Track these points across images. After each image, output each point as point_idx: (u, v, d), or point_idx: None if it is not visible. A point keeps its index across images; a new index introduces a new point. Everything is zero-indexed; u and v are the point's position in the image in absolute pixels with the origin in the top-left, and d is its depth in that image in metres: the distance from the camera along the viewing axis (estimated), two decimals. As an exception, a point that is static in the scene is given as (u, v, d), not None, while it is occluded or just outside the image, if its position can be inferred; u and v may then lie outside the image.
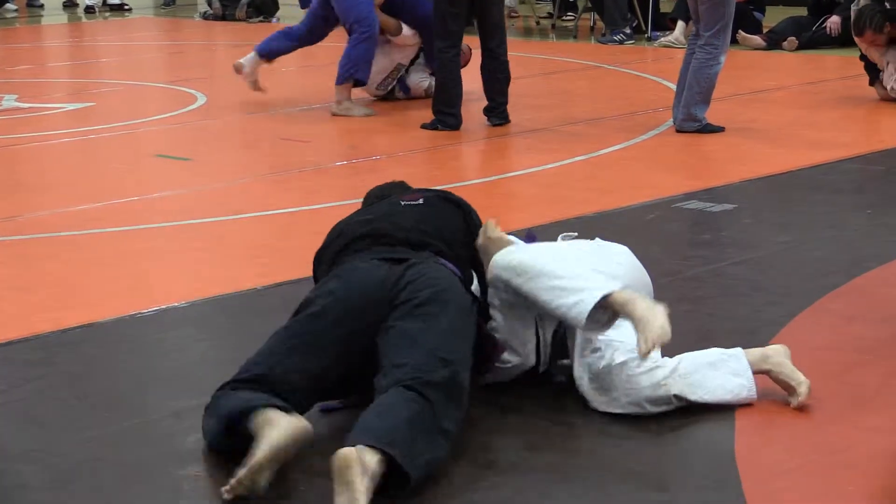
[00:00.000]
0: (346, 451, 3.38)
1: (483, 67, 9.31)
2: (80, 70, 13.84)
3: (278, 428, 3.54)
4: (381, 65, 10.34)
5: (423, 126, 9.18)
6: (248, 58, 10.45)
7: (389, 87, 10.61)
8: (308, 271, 4.50)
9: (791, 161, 7.96)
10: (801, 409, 4.06)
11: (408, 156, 8.43)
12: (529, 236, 4.58)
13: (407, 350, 3.80)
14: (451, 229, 4.42)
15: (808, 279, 5.46)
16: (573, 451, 3.87)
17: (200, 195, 7.43)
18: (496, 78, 9.30)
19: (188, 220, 6.81)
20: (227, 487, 3.49)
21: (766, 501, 3.52)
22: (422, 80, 10.64)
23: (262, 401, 3.65)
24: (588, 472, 3.71)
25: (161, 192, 7.47)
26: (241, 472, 3.47)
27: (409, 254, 4.14)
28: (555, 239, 4.66)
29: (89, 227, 6.67)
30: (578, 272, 4.08)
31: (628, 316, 3.96)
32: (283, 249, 6.23)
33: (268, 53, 10.49)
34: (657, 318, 3.90)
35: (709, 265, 5.67)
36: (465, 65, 10.69)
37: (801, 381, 4.10)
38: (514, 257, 4.20)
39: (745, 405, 4.10)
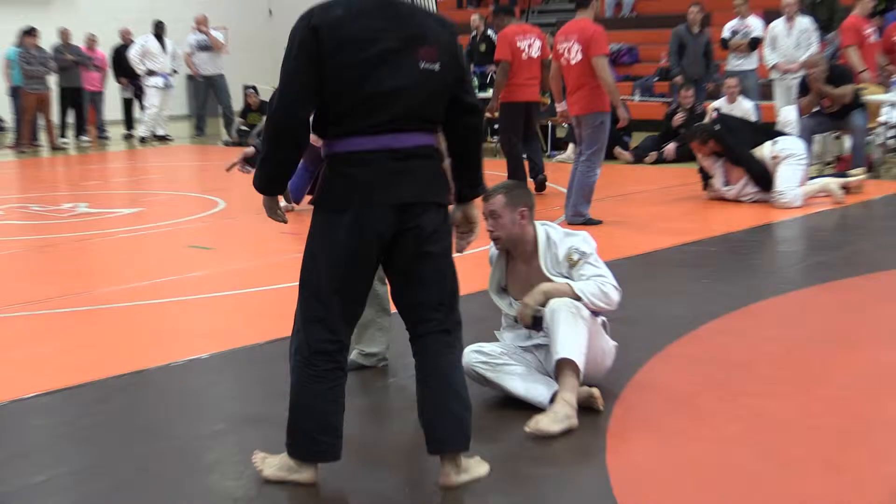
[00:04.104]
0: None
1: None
2: (134, 184, 13.76)
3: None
4: None
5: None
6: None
7: None
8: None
9: (651, 244, 8.02)
10: (656, 426, 4.10)
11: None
12: None
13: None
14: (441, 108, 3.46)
15: (662, 331, 5.49)
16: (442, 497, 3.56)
17: (221, 275, 7.39)
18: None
19: (211, 294, 6.79)
20: None
21: None
22: None
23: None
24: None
25: (191, 272, 7.44)
26: None
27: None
28: None
29: (137, 300, 6.63)
30: None
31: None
32: (280, 315, 6.19)
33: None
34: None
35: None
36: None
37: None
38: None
39: (615, 434, 4.12)
